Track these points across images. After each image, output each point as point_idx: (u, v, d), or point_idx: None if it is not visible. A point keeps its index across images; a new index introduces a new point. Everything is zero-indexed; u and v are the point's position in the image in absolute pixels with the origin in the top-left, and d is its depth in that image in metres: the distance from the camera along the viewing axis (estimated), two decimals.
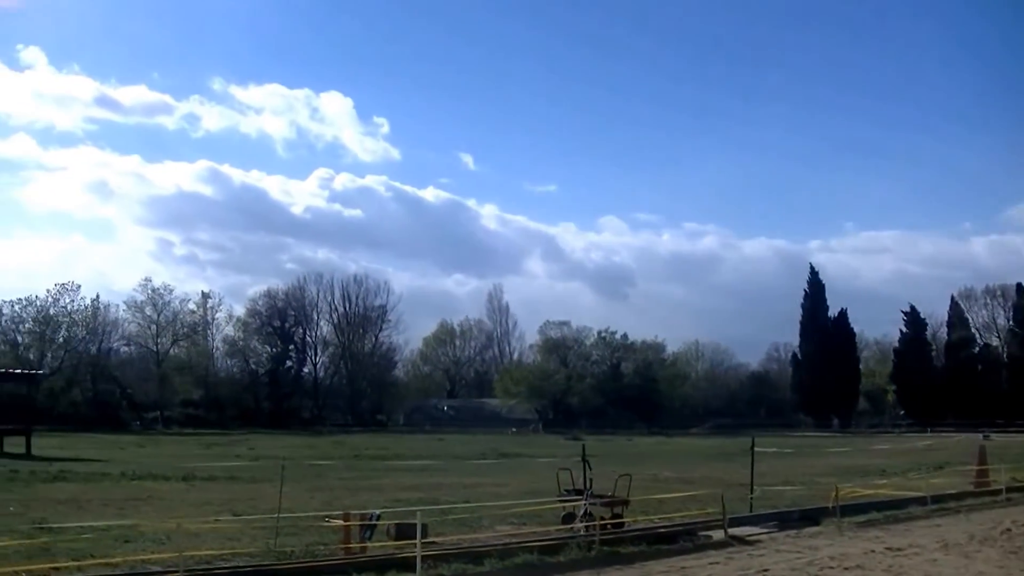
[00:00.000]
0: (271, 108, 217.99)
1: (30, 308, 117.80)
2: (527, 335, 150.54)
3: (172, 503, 31.66)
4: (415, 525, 19.86)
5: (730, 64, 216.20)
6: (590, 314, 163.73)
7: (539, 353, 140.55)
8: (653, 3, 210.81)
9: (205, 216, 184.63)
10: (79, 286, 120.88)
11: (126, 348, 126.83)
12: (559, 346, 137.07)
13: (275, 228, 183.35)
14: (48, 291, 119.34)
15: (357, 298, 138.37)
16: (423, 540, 19.77)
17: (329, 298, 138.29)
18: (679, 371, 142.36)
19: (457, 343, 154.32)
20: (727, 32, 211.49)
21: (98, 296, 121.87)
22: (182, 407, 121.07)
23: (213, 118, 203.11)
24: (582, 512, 24.01)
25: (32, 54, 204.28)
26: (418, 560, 19.19)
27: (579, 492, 25.02)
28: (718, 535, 24.84)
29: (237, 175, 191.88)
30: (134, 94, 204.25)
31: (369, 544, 21.42)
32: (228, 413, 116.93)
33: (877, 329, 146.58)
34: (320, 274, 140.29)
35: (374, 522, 22.20)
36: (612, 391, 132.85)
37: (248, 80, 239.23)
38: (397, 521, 22.59)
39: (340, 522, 21.62)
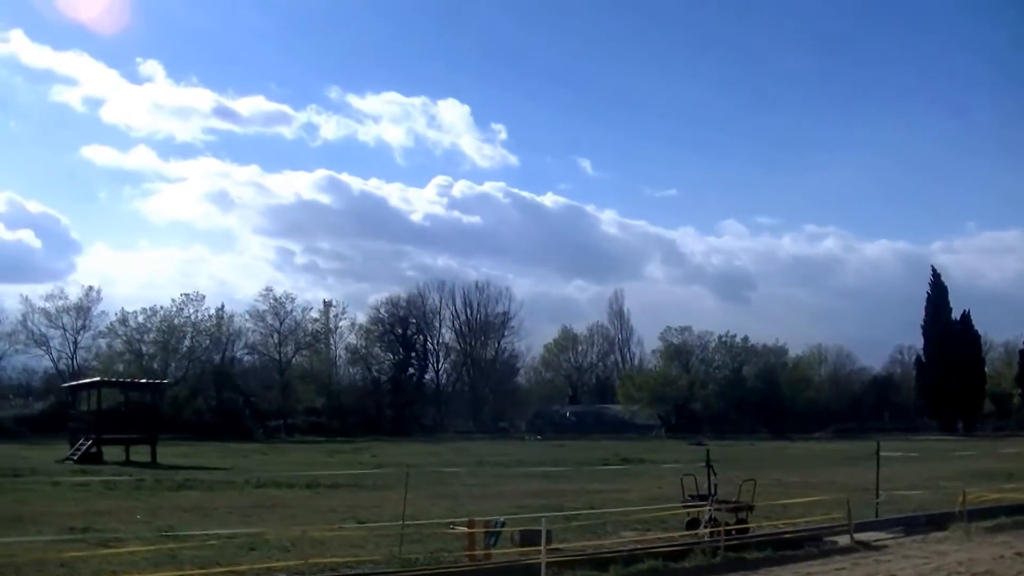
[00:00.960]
0: (389, 116, 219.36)
1: (154, 318, 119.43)
2: (648, 340, 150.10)
3: (296, 511, 31.94)
4: (540, 531, 19.92)
5: (850, 65, 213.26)
6: (711, 318, 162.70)
7: (661, 358, 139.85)
8: (771, 3, 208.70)
9: (325, 225, 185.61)
10: (203, 296, 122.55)
11: (249, 357, 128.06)
12: (681, 351, 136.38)
13: (395, 236, 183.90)
14: (173, 301, 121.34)
15: (479, 305, 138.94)
16: (548, 547, 19.80)
17: (451, 305, 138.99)
18: (802, 375, 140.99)
19: (579, 349, 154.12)
20: (846, 33, 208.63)
21: (223, 306, 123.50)
22: (305, 415, 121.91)
23: (331, 127, 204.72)
24: (707, 518, 23.91)
25: (151, 67, 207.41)
26: (543, 567, 19.22)
27: (703, 497, 24.92)
28: (844, 540, 24.67)
29: (356, 183, 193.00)
30: (252, 104, 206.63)
31: (494, 551, 21.49)
32: (351, 420, 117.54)
33: (1003, 331, 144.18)
34: (442, 281, 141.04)
35: (499, 529, 22.25)
36: (734, 396, 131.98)
37: (365, 89, 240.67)
38: (521, 528, 22.67)
39: (465, 529, 21.71)
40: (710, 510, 23.95)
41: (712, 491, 24.96)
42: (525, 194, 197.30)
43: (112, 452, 62.75)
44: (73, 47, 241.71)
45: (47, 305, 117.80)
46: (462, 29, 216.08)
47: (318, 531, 23.63)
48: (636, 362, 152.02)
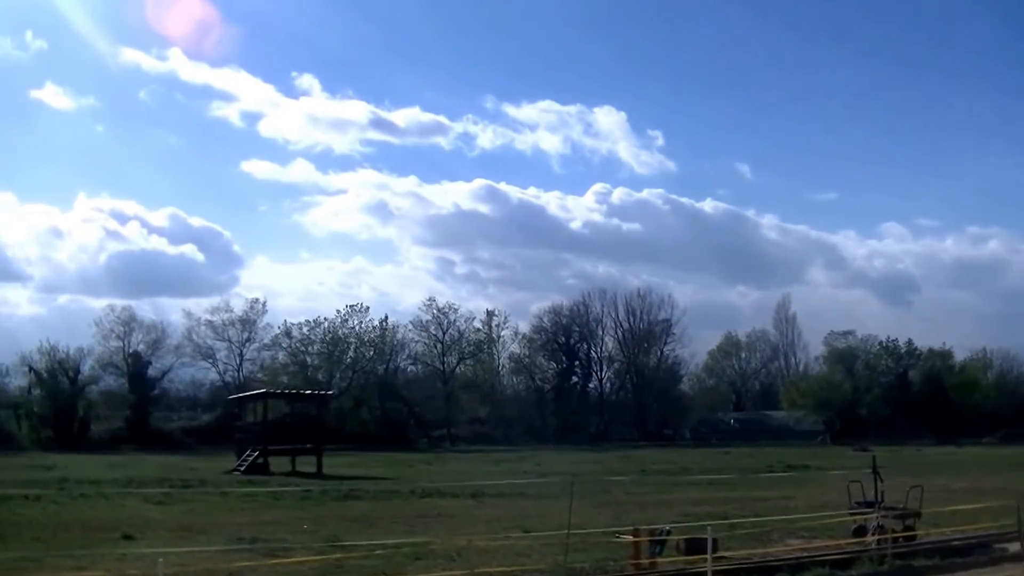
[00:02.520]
0: (545, 124, 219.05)
1: (318, 330, 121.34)
2: (812, 345, 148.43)
3: (461, 520, 32.12)
4: (705, 540, 19.82)
5: (1011, 64, 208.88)
6: (875, 322, 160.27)
7: (825, 363, 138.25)
8: (924, 4, 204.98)
9: (484, 234, 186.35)
10: (367, 307, 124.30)
11: (413, 367, 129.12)
12: (845, 356, 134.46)
13: (554, 244, 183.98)
14: (337, 312, 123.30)
15: (641, 312, 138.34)
16: (713, 555, 19.71)
17: (613, 313, 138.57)
18: (968, 379, 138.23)
19: (742, 355, 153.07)
20: (1007, 31, 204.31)
21: (386, 317, 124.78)
22: (469, 424, 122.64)
23: (488, 137, 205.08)
24: (874, 525, 23.61)
25: (306, 81, 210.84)
26: (709, 575, 19.15)
27: (870, 504, 24.61)
28: (1014, 548, 24.13)
29: (514, 192, 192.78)
30: (408, 116, 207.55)
31: (659, 559, 21.44)
32: (514, 429, 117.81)
33: None
34: (604, 289, 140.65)
35: (664, 537, 22.20)
36: (899, 400, 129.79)
37: (520, 98, 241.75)
38: (687, 536, 22.57)
39: (630, 538, 21.65)
40: (877, 517, 23.65)
41: (879, 498, 24.63)
42: (684, 200, 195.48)
43: (278, 463, 63.58)
44: (229, 63, 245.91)
45: (213, 318, 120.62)
46: (615, 36, 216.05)
47: (483, 540, 23.76)
48: (800, 368, 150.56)
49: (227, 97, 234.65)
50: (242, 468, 61.65)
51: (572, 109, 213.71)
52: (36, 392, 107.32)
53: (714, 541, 20.15)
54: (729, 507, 34.81)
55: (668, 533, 22.52)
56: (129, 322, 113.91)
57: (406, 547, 23.51)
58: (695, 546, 21.59)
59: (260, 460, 62.71)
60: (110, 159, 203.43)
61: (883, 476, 25.25)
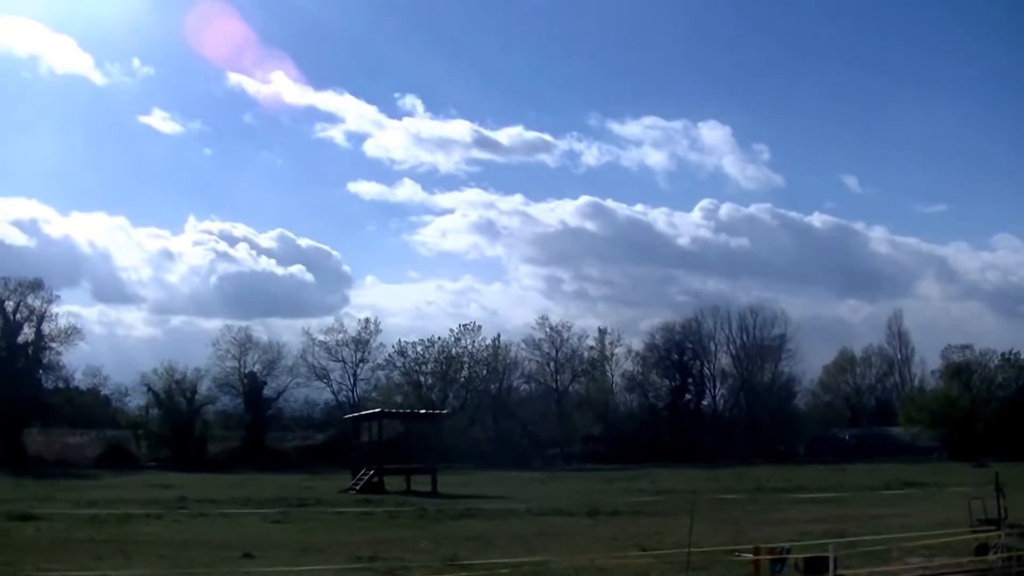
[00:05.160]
0: (650, 140, 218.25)
1: (432, 349, 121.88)
2: (928, 360, 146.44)
3: (579, 539, 32.11)
4: (826, 558, 19.71)
5: None
6: (989, 336, 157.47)
7: (941, 378, 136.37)
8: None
9: (592, 251, 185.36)
10: (479, 326, 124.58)
11: (526, 385, 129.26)
12: (961, 370, 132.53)
13: (663, 261, 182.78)
14: (450, 331, 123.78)
15: (754, 328, 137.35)
16: (834, 574, 19.58)
17: (726, 329, 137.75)
18: None
19: (857, 371, 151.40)
20: None
21: (498, 336, 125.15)
22: (582, 443, 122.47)
23: (593, 154, 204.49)
24: (997, 543, 23.28)
25: (409, 101, 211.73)
26: None
27: (992, 522, 24.28)
28: None
29: (621, 209, 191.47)
30: (512, 134, 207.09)
31: None
32: (628, 447, 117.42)
33: None
34: (716, 306, 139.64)
35: (784, 556, 22.07)
36: (1020, 415, 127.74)
37: (624, 114, 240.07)
38: (806, 555, 22.42)
39: (751, 556, 21.57)
40: (1000, 535, 23.33)
41: (1002, 515, 24.30)
42: (792, 214, 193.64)
43: (393, 482, 63.94)
44: (333, 85, 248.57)
45: (326, 339, 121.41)
46: (717, 50, 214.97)
47: (603, 559, 23.76)
48: (916, 383, 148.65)
49: (332, 119, 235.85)
50: (357, 487, 62.02)
51: (677, 124, 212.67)
52: (154, 412, 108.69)
53: (834, 560, 20.01)
54: (847, 525, 34.53)
55: (788, 552, 22.37)
56: (245, 343, 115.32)
57: (526, 566, 23.57)
58: (815, 565, 21.45)
59: (375, 479, 63.07)
60: (218, 182, 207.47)
61: (1005, 493, 24.91)
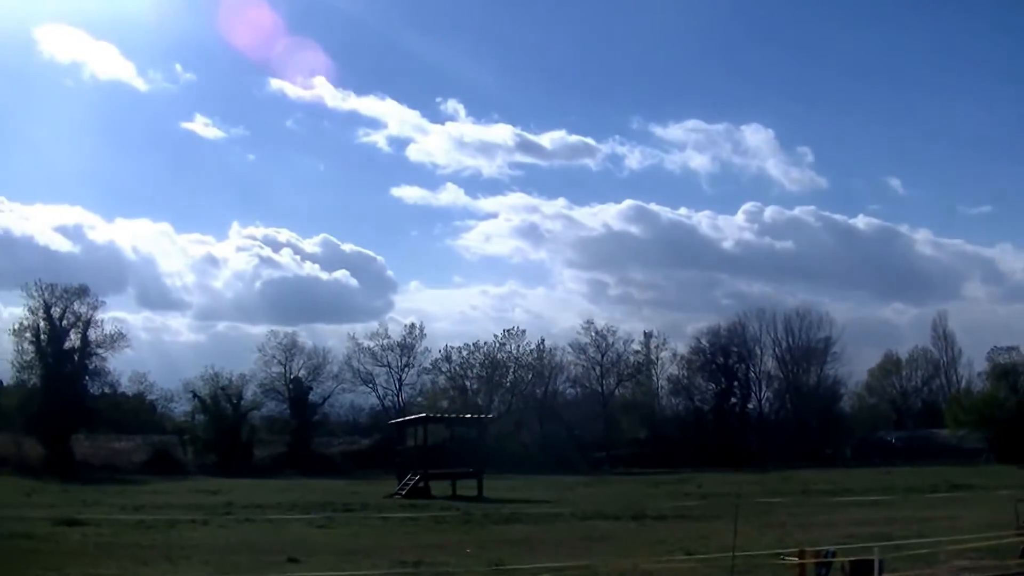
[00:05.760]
0: (692, 144, 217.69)
1: (477, 354, 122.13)
2: (974, 362, 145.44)
3: (624, 543, 32.07)
4: (872, 561, 19.61)
5: None
6: None
7: (988, 380, 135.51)
8: None
9: (636, 255, 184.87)
10: (524, 331, 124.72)
11: (571, 390, 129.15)
12: (1008, 372, 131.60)
13: (707, 264, 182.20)
14: (495, 336, 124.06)
15: (800, 331, 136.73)
16: None
17: (771, 332, 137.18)
18: None
19: (903, 373, 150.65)
20: None
21: (543, 340, 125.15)
22: (628, 446, 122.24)
23: (635, 157, 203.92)
24: None
25: (452, 106, 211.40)
26: None
27: None
28: None
29: (665, 213, 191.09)
30: (554, 138, 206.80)
31: None
32: (674, 451, 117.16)
33: None
34: (761, 309, 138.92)
35: (830, 559, 21.99)
36: None
37: (667, 118, 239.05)
38: (852, 558, 22.31)
39: (795, 559, 21.49)
40: None
41: None
42: (836, 217, 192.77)
43: (439, 487, 64.07)
44: (375, 90, 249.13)
45: (371, 344, 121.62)
46: (758, 53, 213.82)
47: (648, 563, 23.73)
48: (963, 385, 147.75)
49: (374, 124, 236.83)
50: (403, 492, 62.20)
51: (719, 127, 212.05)
52: (200, 418, 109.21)
53: (880, 563, 19.92)
54: (893, 528, 34.36)
55: (833, 555, 22.27)
56: (290, 348, 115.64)
57: (570, 570, 23.59)
58: (861, 568, 21.35)
59: (421, 484, 63.22)
60: (261, 187, 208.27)
61: None
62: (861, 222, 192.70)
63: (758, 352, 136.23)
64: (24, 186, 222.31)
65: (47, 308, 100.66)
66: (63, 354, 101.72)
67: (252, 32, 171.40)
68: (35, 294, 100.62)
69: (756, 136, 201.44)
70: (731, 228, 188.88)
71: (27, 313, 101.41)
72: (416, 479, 63.60)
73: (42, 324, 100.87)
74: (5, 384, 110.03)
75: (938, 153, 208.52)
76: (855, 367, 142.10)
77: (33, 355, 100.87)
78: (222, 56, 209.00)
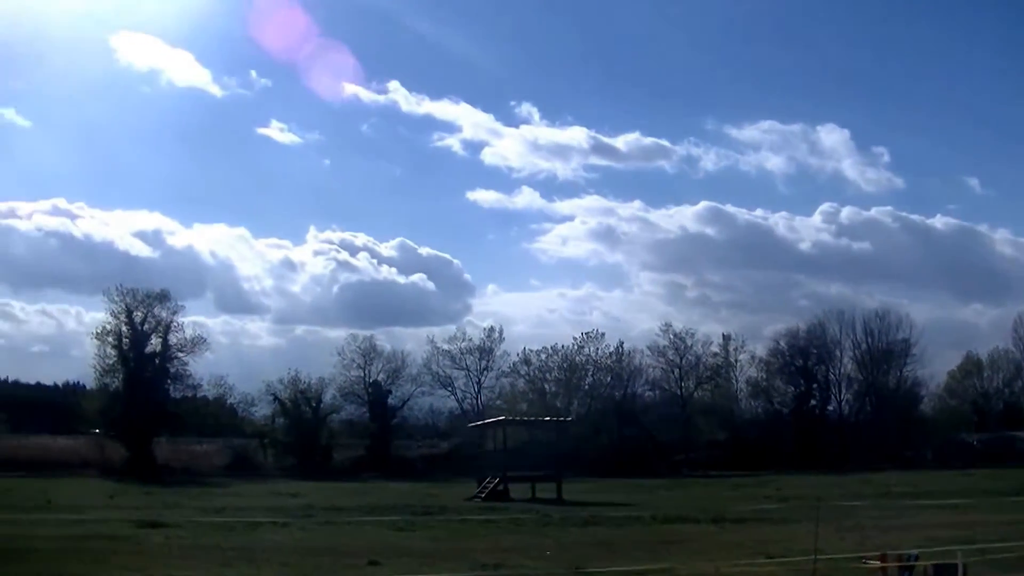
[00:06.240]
0: (768, 145, 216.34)
1: (555, 357, 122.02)
2: None
3: (703, 546, 32.00)
4: (955, 565, 19.50)
5: None
6: None
7: None
8: None
9: (712, 257, 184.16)
10: (603, 334, 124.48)
11: (650, 392, 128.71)
12: None
13: (784, 266, 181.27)
14: (574, 339, 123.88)
15: (879, 333, 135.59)
16: None
17: (851, 334, 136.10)
18: None
19: (984, 374, 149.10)
20: None
21: (622, 343, 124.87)
22: (707, 449, 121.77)
23: (711, 159, 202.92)
24: None
25: (526, 109, 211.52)
26: None
27: None
28: None
29: (741, 214, 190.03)
30: (629, 140, 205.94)
31: None
32: (753, 454, 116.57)
33: None
34: (841, 310, 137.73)
35: (912, 563, 21.86)
36: None
37: (741, 119, 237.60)
38: (935, 561, 22.18)
39: (877, 563, 21.38)
40: None
41: None
42: (914, 217, 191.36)
43: (518, 489, 64.15)
44: (448, 94, 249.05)
45: (450, 347, 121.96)
46: (832, 52, 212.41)
47: (728, 566, 23.68)
48: None
49: (449, 128, 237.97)
50: (482, 495, 62.38)
51: (795, 128, 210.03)
52: (280, 421, 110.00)
53: (963, 567, 19.79)
54: (975, 531, 34.06)
55: (916, 559, 22.13)
56: (369, 352, 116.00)
57: (650, 573, 23.58)
58: (944, 572, 21.22)
59: (500, 487, 63.37)
60: (337, 192, 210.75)
61: None
62: (939, 222, 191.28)
63: (837, 354, 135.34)
64: (104, 192, 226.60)
65: (129, 313, 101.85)
66: (144, 358, 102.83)
67: (326, 39, 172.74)
68: (116, 299, 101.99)
69: (831, 136, 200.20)
70: (808, 229, 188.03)
71: (109, 318, 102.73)
72: (495, 482, 63.78)
73: (124, 328, 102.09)
74: (88, 388, 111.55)
75: (1016, 151, 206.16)
76: (935, 368, 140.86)
77: (115, 359, 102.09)
78: (296, 62, 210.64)
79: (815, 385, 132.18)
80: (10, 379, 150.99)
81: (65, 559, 28.38)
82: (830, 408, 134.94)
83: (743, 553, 28.72)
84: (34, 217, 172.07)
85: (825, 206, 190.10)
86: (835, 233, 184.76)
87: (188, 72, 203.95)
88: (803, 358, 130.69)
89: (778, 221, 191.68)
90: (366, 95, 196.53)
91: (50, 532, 35.89)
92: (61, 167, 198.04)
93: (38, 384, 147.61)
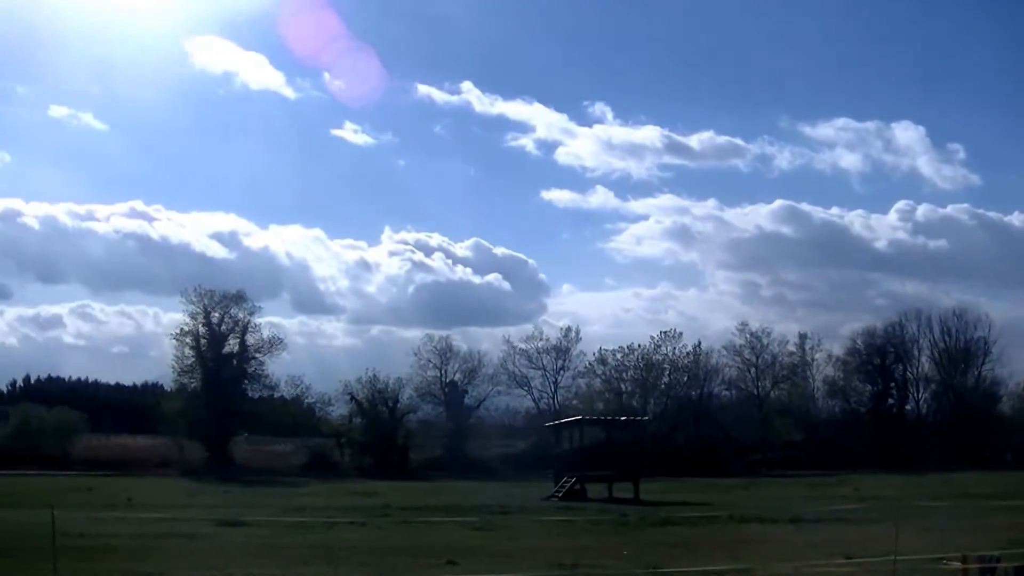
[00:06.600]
0: (842, 143, 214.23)
1: (632, 356, 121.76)
2: None
3: (781, 546, 31.86)
4: None
5: None
6: None
7: None
8: None
9: (788, 256, 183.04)
10: (680, 333, 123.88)
11: (726, 392, 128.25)
12: None
13: (860, 264, 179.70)
14: (651, 339, 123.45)
15: (957, 332, 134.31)
16: None
17: (928, 333, 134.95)
18: None
19: None
20: None
21: (699, 342, 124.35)
22: (784, 449, 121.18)
23: (785, 157, 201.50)
24: None
25: (599, 108, 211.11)
26: None
27: None
28: None
29: (816, 213, 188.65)
30: (703, 139, 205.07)
31: None
32: (830, 453, 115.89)
33: None
34: (918, 309, 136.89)
35: (994, 564, 21.68)
36: None
37: (816, 117, 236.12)
38: (1017, 564, 22.00)
39: (958, 564, 21.24)
40: None
41: None
42: (991, 214, 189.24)
43: (595, 489, 64.15)
44: (521, 94, 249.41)
45: (526, 347, 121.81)
46: (907, 49, 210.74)
47: (807, 567, 23.58)
48: None
49: (522, 128, 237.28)
50: (559, 494, 62.43)
51: (869, 125, 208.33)
52: (357, 421, 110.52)
53: None
54: None
55: (998, 560, 21.96)
56: (445, 352, 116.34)
57: (728, 574, 23.52)
58: None
59: (577, 487, 63.40)
60: (412, 192, 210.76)
61: None
62: (1017, 219, 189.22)
63: (915, 353, 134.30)
64: (180, 195, 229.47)
65: (206, 314, 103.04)
66: (222, 358, 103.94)
67: (399, 40, 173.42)
68: (194, 300, 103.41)
69: (906, 133, 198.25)
70: (883, 227, 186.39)
71: (187, 319, 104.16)
72: (572, 482, 63.83)
73: (201, 329, 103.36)
74: (166, 388, 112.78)
75: None
76: (1014, 368, 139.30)
77: (193, 360, 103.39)
78: (369, 64, 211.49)
79: (892, 384, 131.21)
80: (90, 379, 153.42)
81: (146, 556, 28.73)
82: (908, 408, 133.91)
83: (821, 553, 28.59)
84: (112, 220, 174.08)
85: (901, 204, 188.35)
86: (911, 231, 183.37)
87: (262, 75, 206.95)
88: (880, 357, 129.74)
89: (853, 219, 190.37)
90: (439, 96, 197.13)
91: (131, 530, 36.35)
92: (138, 170, 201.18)
93: (118, 384, 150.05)
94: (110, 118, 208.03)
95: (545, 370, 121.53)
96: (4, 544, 31.11)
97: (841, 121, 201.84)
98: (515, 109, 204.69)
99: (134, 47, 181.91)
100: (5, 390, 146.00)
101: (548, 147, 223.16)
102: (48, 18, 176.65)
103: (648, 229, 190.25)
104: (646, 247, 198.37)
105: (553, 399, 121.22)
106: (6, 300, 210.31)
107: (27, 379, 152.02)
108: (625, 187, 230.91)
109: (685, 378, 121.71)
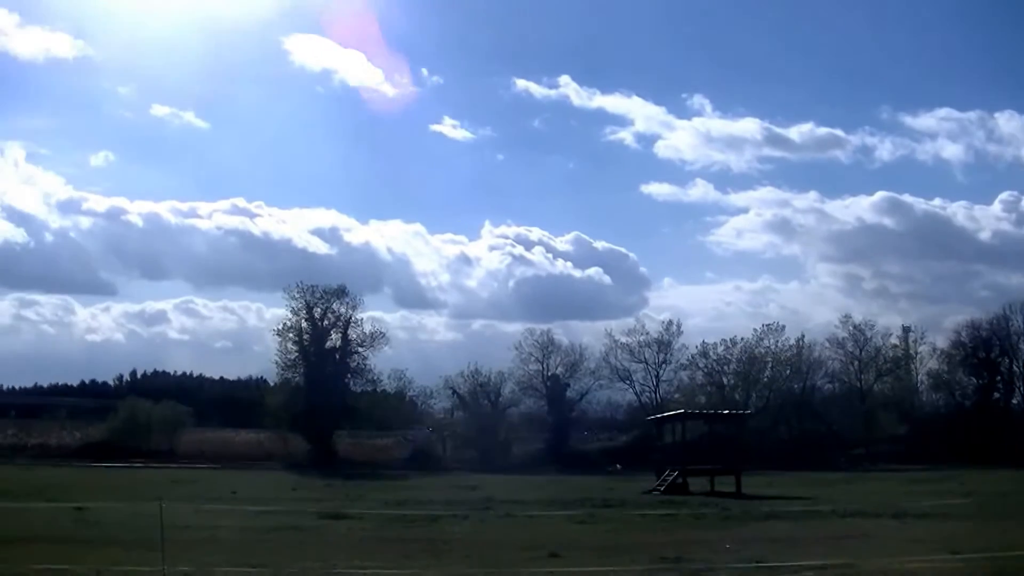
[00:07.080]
0: (944, 133, 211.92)
1: (734, 349, 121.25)
2: None
3: (884, 541, 31.64)
4: None
5: None
6: None
7: None
8: None
9: (890, 248, 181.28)
10: (783, 326, 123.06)
11: (829, 385, 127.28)
12: None
13: (963, 256, 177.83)
14: (754, 331, 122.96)
15: None
16: None
17: None
18: None
19: None
20: None
21: (802, 336, 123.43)
22: (887, 443, 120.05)
23: (886, 148, 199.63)
24: None
25: (697, 101, 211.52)
26: None
27: None
28: None
29: (918, 204, 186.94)
30: (802, 131, 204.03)
31: None
32: (935, 448, 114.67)
33: None
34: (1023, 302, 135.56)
35: None
36: None
37: (917, 107, 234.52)
38: None
39: None
40: None
41: None
42: None
43: (697, 483, 63.95)
44: (619, 88, 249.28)
45: (628, 340, 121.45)
46: (1010, 38, 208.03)
47: (911, 562, 23.44)
48: None
49: (621, 121, 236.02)
50: (661, 488, 62.28)
51: (972, 115, 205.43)
52: (459, 414, 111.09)
53: None
54: None
55: None
56: (547, 345, 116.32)
57: (832, 568, 23.45)
58: None
59: (680, 480, 63.23)
60: (511, 187, 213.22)
61: None
62: None
63: (1021, 347, 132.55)
64: (282, 191, 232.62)
65: (309, 309, 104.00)
66: (325, 353, 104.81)
67: (497, 35, 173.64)
68: (296, 295, 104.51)
69: (1010, 123, 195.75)
70: (988, 218, 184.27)
71: (289, 314, 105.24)
72: (674, 475, 63.68)
73: (304, 324, 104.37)
74: (270, 382, 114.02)
75: None
76: None
77: (296, 354, 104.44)
78: (467, 59, 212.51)
79: (999, 378, 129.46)
80: (195, 374, 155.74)
81: (251, 549, 29.12)
82: (1014, 402, 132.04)
83: (926, 549, 28.38)
84: (214, 216, 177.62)
85: (1005, 195, 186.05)
86: (1016, 222, 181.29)
87: (360, 72, 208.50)
88: (985, 350, 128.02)
89: (956, 211, 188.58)
90: (537, 90, 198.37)
91: (235, 523, 36.80)
92: (239, 167, 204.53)
93: (221, 379, 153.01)
94: (211, 116, 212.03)
95: (647, 363, 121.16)
96: (113, 535, 31.71)
97: (943, 111, 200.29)
98: (613, 102, 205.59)
99: (234, 46, 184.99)
100: (113, 385, 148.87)
101: (647, 140, 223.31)
102: (149, 19, 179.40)
103: (748, 222, 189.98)
104: (747, 240, 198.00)
105: (655, 393, 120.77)
106: (112, 297, 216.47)
107: (133, 374, 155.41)
108: (725, 180, 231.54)
109: (788, 371, 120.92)
